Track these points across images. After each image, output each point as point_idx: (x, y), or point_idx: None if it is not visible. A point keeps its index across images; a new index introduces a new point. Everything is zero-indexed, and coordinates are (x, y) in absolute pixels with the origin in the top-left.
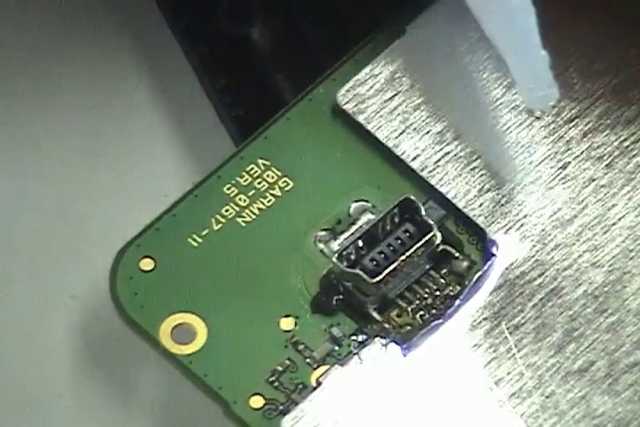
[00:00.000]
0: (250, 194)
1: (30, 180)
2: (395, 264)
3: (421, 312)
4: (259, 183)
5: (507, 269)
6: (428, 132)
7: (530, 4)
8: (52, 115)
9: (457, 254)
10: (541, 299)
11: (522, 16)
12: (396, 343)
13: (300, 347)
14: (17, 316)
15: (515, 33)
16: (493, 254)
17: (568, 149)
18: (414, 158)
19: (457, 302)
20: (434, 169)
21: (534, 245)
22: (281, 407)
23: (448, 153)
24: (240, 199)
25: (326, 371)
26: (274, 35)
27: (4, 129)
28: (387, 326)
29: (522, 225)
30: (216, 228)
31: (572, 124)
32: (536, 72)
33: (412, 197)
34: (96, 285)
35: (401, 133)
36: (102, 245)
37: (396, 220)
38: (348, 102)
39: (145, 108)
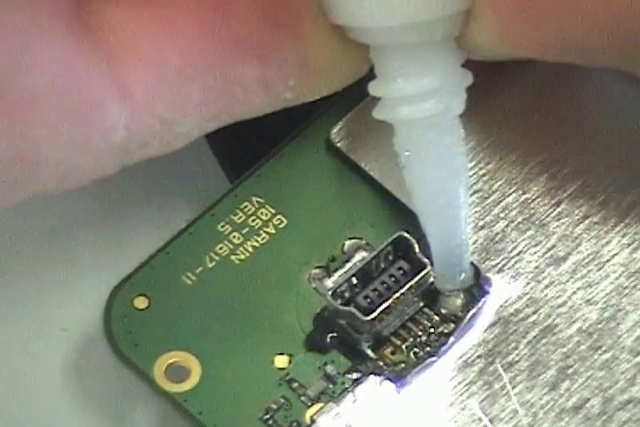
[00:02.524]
0: (244, 232)
1: (25, 209)
2: (388, 302)
3: (415, 349)
4: (252, 221)
5: (500, 306)
6: None
7: (465, 196)
8: None
9: (450, 292)
10: (535, 336)
11: (454, 208)
12: (390, 381)
13: (295, 385)
14: (8, 349)
15: (445, 217)
16: (487, 292)
17: (562, 187)
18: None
19: (451, 339)
20: None
21: (528, 283)
22: None
23: None
24: (234, 237)
25: (320, 409)
26: None
27: None
28: (381, 363)
29: (515, 262)
30: (210, 265)
31: (566, 161)
32: (457, 259)
33: (406, 235)
34: (88, 317)
35: (395, 171)
36: (95, 277)
37: (390, 257)
38: (341, 140)
39: None
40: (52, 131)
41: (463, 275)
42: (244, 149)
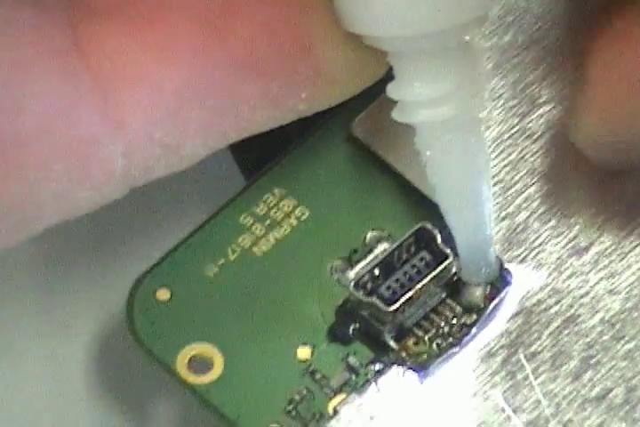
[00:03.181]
0: (266, 223)
1: None
2: (411, 293)
3: (438, 341)
4: (274, 213)
5: (523, 297)
6: None
7: (488, 192)
8: None
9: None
10: (558, 326)
11: (477, 206)
12: (413, 371)
13: (317, 376)
14: (30, 341)
15: (469, 213)
16: (509, 282)
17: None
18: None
19: (473, 330)
20: None
21: (550, 273)
22: None
23: None
24: (256, 229)
25: (343, 400)
26: None
27: None
28: (403, 354)
29: (538, 253)
30: (232, 257)
31: None
32: (482, 254)
33: (428, 226)
34: (111, 309)
35: (416, 162)
36: (118, 270)
37: (412, 248)
38: (362, 131)
39: None
40: (48, 172)
41: (489, 268)
42: (260, 143)
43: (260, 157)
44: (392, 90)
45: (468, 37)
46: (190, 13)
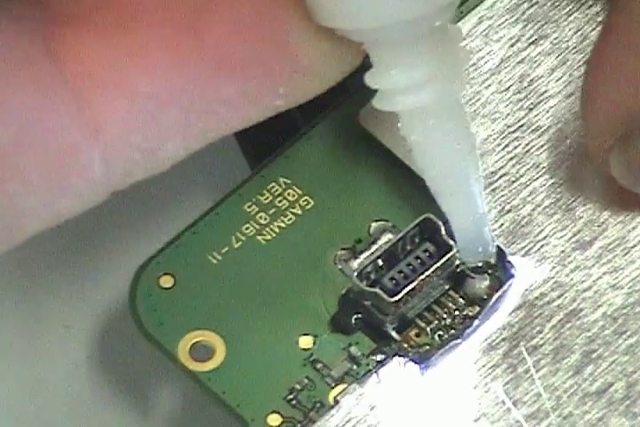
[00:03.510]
0: (270, 212)
1: None
2: (414, 284)
3: (440, 332)
4: (279, 202)
5: (526, 290)
6: None
7: (476, 173)
8: None
9: (476, 275)
10: (560, 320)
11: (466, 186)
12: (415, 363)
13: (319, 365)
14: (34, 327)
15: (459, 195)
16: (512, 275)
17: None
18: None
19: (475, 322)
20: None
21: (554, 267)
22: (298, 426)
23: None
24: (260, 217)
25: (344, 390)
26: None
27: None
28: (405, 345)
29: (542, 246)
30: (236, 245)
31: None
32: (477, 234)
33: (433, 217)
34: (114, 295)
35: None
36: (121, 256)
37: (416, 239)
38: (368, 121)
39: None
40: (26, 183)
41: (485, 248)
42: (266, 132)
43: (266, 146)
44: (370, 78)
45: (439, 23)
46: (163, 16)
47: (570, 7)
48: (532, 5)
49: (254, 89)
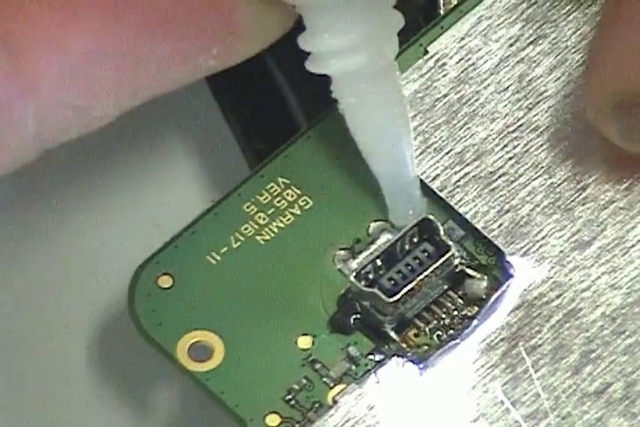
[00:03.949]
0: (269, 212)
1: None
2: (412, 284)
3: (438, 332)
4: (278, 202)
5: (524, 290)
6: (448, 153)
7: (407, 137)
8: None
9: (475, 275)
10: (559, 320)
11: (397, 149)
12: (413, 363)
13: (317, 366)
14: (33, 327)
15: (390, 158)
16: (511, 275)
17: (587, 171)
18: (434, 178)
19: (474, 322)
20: (453, 189)
21: (552, 267)
22: (297, 426)
23: (468, 173)
24: (259, 217)
25: (343, 390)
26: (290, 60)
27: None
28: (404, 345)
29: (540, 246)
30: (235, 246)
31: (593, 147)
32: (408, 197)
33: (431, 217)
34: (112, 295)
35: (421, 153)
36: (121, 256)
37: (415, 239)
38: None
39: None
40: None
41: (415, 211)
42: (265, 131)
43: (265, 145)
44: (303, 41)
45: None
46: None
47: (569, 7)
48: (531, 5)
49: (187, 49)
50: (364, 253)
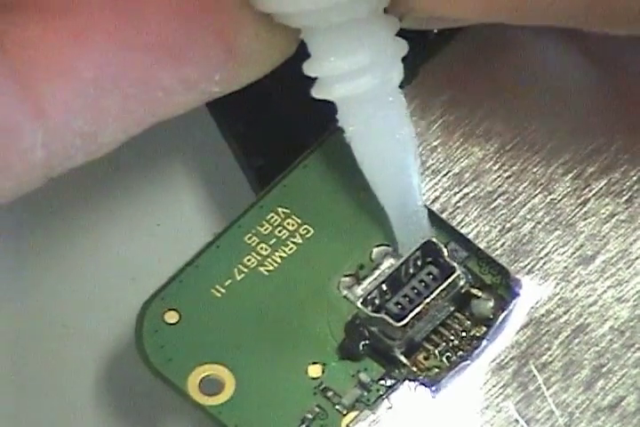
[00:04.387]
0: (271, 242)
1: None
2: (420, 307)
3: (448, 354)
4: (279, 231)
5: (531, 307)
6: (446, 174)
7: (415, 164)
8: None
9: (481, 295)
10: (568, 336)
11: (405, 177)
12: (425, 386)
13: (329, 394)
14: (42, 365)
15: (397, 187)
16: (517, 294)
17: (587, 186)
18: (434, 201)
19: (483, 342)
20: (454, 211)
21: (558, 283)
22: None
23: (467, 194)
24: (261, 248)
25: (356, 417)
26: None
27: None
28: (414, 369)
29: (544, 263)
30: (239, 278)
31: (590, 160)
32: (415, 225)
33: (434, 240)
34: (119, 331)
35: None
36: (126, 291)
37: (419, 263)
38: None
39: (167, 160)
40: None
41: (424, 240)
42: (270, 159)
43: (270, 172)
44: (309, 67)
45: (380, 5)
46: (104, 1)
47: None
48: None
49: (191, 74)
50: (369, 279)
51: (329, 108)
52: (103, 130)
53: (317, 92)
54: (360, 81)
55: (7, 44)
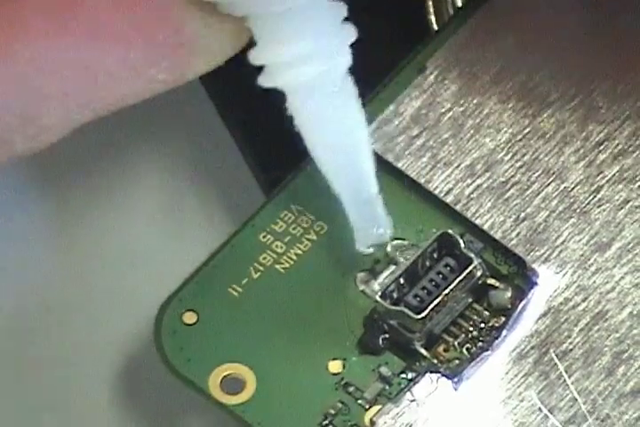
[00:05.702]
0: (286, 240)
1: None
2: (438, 299)
3: (468, 345)
4: (293, 229)
5: (550, 296)
6: (458, 166)
7: (367, 151)
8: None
9: (498, 285)
10: (587, 323)
11: (356, 164)
12: (447, 378)
13: (351, 389)
14: (60, 366)
15: (350, 174)
16: (535, 283)
17: (600, 173)
18: (447, 193)
19: (503, 332)
20: (468, 202)
21: (575, 271)
22: None
23: (480, 185)
24: (277, 246)
25: (379, 411)
26: None
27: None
28: (435, 361)
29: (561, 251)
30: (255, 276)
31: (602, 147)
32: (370, 214)
33: (450, 231)
34: (136, 332)
35: (431, 169)
36: (144, 293)
37: (436, 255)
38: (375, 142)
39: (182, 166)
40: None
41: (380, 229)
42: (280, 161)
43: (279, 173)
44: (254, 55)
45: None
46: None
47: (563, 10)
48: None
49: (136, 59)
50: (386, 273)
51: None
52: (44, 113)
53: (263, 81)
54: (304, 68)
55: None
